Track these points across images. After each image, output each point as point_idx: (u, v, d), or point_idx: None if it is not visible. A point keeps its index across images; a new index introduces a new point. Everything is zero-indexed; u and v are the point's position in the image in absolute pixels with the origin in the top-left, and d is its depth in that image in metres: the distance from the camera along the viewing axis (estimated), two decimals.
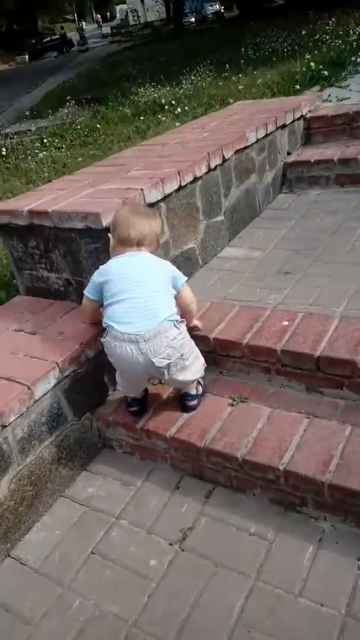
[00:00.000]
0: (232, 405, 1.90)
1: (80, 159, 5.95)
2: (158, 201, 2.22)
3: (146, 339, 1.66)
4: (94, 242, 2.01)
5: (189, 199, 2.44)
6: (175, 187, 2.29)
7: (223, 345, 1.99)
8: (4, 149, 7.02)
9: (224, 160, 2.62)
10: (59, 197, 2.19)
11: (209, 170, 2.51)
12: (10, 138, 7.38)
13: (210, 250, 2.66)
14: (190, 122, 3.79)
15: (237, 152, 2.74)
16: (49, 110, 9.70)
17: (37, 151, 6.46)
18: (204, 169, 2.45)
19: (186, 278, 1.87)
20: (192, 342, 1.85)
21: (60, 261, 2.21)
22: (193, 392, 1.92)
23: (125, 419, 1.97)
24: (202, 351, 1.93)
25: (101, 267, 1.81)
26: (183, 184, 2.33)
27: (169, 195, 2.28)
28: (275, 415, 1.80)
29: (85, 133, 6.81)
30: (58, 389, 1.86)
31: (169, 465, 1.91)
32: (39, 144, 6.78)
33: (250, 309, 2.12)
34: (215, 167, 2.57)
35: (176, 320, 1.74)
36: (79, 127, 7.02)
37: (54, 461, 1.87)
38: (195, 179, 2.43)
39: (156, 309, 1.69)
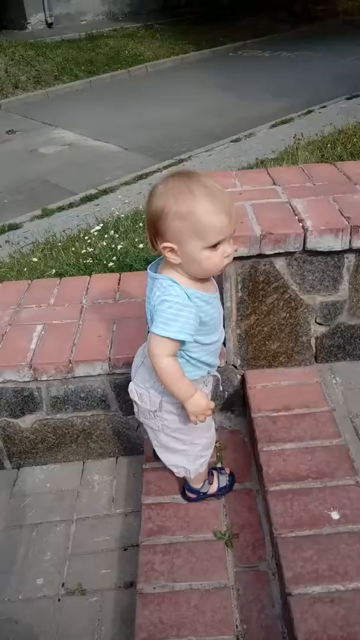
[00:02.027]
0: (215, 536, 1.51)
1: None
2: (337, 252, 1.62)
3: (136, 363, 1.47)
4: None
5: None
6: None
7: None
8: None
9: None
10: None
11: None
12: None
13: None
14: None
15: None
16: None
17: None
18: None
19: (170, 336, 1.20)
20: (195, 432, 1.45)
21: None
22: (194, 485, 1.60)
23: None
24: None
25: None
26: None
27: None
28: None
29: None
30: (106, 379, 1.86)
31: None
32: None
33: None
34: None
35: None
36: None
37: (84, 432, 1.97)
38: None
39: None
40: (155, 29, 13.79)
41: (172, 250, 1.20)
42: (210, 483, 1.62)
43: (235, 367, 1.85)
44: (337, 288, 1.70)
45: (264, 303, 1.72)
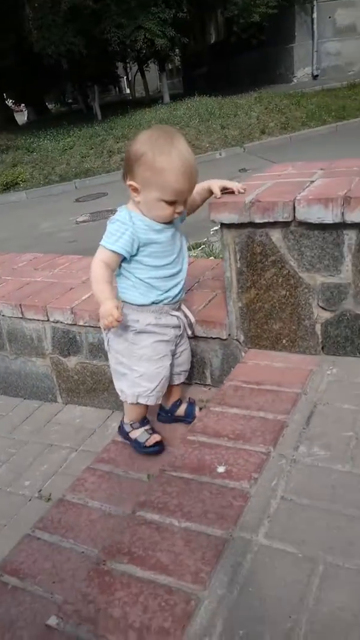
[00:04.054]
0: (147, 478, 1.58)
1: None
2: (334, 226, 1.53)
3: None
4: None
5: None
6: None
7: None
8: None
9: None
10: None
11: None
12: None
13: None
14: None
15: None
16: None
17: None
18: None
19: (106, 245, 1.45)
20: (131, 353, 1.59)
21: None
22: (125, 418, 1.74)
23: None
24: None
25: None
26: None
27: None
28: None
29: None
30: None
31: None
32: None
33: None
34: None
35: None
36: None
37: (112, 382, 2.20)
38: None
39: None
40: None
41: (135, 190, 1.43)
42: (134, 428, 1.70)
43: (239, 342, 1.85)
44: (338, 269, 1.58)
45: (262, 277, 1.70)
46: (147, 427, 1.71)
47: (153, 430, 1.72)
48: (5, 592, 1.25)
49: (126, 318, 1.53)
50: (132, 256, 1.48)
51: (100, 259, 1.46)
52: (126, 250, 1.45)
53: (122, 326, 1.55)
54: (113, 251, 1.45)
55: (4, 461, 2.09)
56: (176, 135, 1.42)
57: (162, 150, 1.36)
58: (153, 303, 1.54)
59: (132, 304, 1.54)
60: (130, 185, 1.44)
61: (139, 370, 1.60)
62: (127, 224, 1.44)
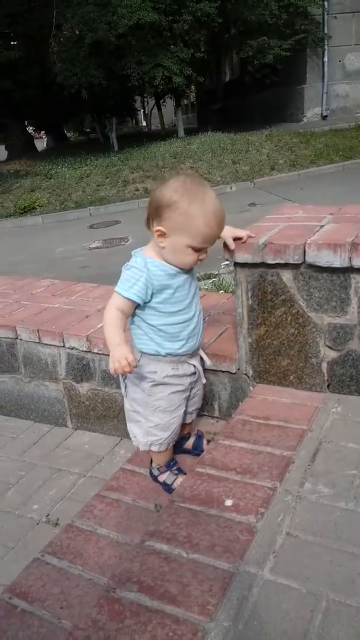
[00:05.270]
0: (155, 507, 1.62)
1: None
2: (342, 270, 1.60)
3: None
4: None
5: None
6: None
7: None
8: None
9: None
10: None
11: None
12: None
13: None
14: None
15: None
16: None
17: None
18: None
19: (121, 292, 1.46)
20: (151, 398, 1.60)
21: None
22: (153, 463, 1.73)
23: None
24: None
25: None
26: None
27: None
28: None
29: None
30: None
31: None
32: None
33: None
34: None
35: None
36: None
37: (123, 410, 2.25)
38: None
39: None
40: None
41: (162, 235, 1.44)
42: (161, 472, 1.72)
43: (248, 377, 1.90)
44: (345, 310, 1.65)
45: (272, 315, 1.77)
46: (173, 468, 1.72)
47: (180, 470, 1.73)
48: (14, 615, 1.28)
49: (143, 369, 1.55)
50: (146, 303, 1.49)
51: (114, 306, 1.46)
52: (140, 297, 1.45)
53: (139, 376, 1.56)
54: (127, 298, 1.45)
55: (13, 483, 2.13)
56: (205, 184, 1.47)
57: (195, 197, 1.37)
58: (169, 354, 1.55)
59: (149, 354, 1.55)
60: (158, 231, 1.42)
61: (154, 421, 1.61)
62: (142, 270, 1.45)
